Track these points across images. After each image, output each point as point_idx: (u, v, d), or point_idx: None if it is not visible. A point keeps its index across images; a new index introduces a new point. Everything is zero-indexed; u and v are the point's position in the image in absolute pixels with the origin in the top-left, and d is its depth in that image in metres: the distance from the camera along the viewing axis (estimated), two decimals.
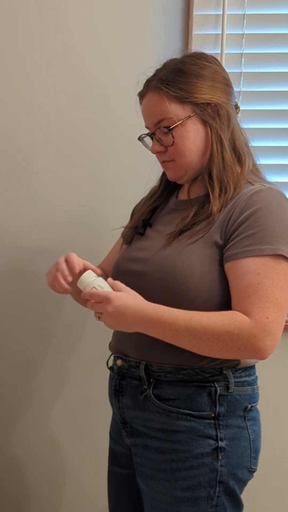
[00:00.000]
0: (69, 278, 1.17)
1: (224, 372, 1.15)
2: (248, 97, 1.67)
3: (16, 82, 1.67)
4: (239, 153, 1.20)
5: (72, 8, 1.65)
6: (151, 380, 1.17)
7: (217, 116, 1.18)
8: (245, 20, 1.65)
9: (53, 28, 1.66)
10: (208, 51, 1.26)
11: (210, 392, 1.14)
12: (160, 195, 1.33)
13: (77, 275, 1.16)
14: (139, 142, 1.28)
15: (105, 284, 1.11)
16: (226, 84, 1.21)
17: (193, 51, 1.29)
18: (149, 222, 1.29)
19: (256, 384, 1.22)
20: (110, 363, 1.30)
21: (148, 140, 1.25)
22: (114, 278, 1.15)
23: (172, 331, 1.07)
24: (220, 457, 1.13)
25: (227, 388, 1.15)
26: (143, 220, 1.30)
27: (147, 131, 1.24)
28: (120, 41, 1.66)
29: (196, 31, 1.64)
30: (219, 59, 1.59)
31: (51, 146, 1.69)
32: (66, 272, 1.16)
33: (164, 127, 1.18)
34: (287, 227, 1.10)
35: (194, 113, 1.17)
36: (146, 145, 1.27)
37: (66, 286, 1.17)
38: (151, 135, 1.23)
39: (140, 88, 1.23)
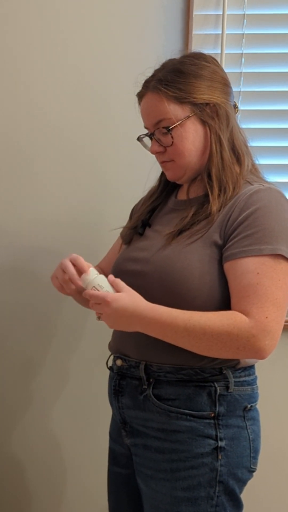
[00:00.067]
0: (80, 283, 1.15)
1: (224, 372, 1.15)
2: (248, 97, 1.67)
3: (16, 82, 1.67)
4: (238, 153, 1.20)
5: (72, 8, 1.65)
6: (151, 380, 1.17)
7: (216, 116, 1.18)
8: (245, 20, 1.65)
9: (53, 28, 1.66)
10: (208, 51, 1.26)
11: (210, 392, 1.14)
12: (159, 195, 1.33)
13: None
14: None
15: (105, 283, 1.11)
16: (224, 84, 1.21)
17: (192, 51, 1.29)
18: (148, 222, 1.29)
19: (256, 384, 1.22)
20: (110, 363, 1.30)
21: (147, 140, 1.25)
22: None
23: (171, 332, 1.07)
24: (220, 457, 1.13)
25: (227, 388, 1.15)
26: (142, 220, 1.30)
27: (146, 131, 1.24)
28: (120, 41, 1.66)
29: (196, 31, 1.64)
30: (219, 59, 1.60)
31: (51, 146, 1.69)
32: (76, 276, 1.14)
33: (163, 127, 1.17)
34: (286, 227, 1.10)
35: (193, 113, 1.17)
36: (145, 146, 1.27)
37: (74, 288, 1.17)
38: (150, 135, 1.22)
39: (139, 88, 1.23)
